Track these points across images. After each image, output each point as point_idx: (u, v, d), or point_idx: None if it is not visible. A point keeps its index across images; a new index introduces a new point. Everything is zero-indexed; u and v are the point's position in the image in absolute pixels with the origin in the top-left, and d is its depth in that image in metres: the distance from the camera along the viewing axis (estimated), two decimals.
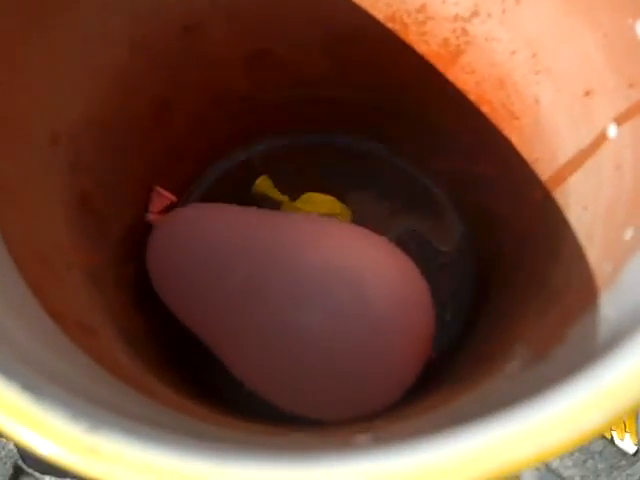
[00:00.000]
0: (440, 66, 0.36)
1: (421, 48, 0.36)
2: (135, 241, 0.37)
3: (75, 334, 0.24)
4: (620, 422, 0.46)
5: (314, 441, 0.22)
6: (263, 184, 0.45)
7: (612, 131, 0.28)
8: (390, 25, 0.36)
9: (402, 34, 0.36)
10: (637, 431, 0.46)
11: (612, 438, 0.46)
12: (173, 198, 0.40)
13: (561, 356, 0.22)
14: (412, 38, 0.36)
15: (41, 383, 0.18)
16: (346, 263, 0.31)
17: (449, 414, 0.23)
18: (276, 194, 0.44)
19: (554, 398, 0.17)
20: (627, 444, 0.46)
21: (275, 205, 0.44)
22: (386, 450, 0.17)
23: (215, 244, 0.34)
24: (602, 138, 0.28)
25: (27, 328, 0.21)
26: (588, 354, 0.19)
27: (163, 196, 0.39)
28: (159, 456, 0.17)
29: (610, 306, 0.22)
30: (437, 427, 0.18)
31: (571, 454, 0.43)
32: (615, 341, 0.19)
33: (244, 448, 0.18)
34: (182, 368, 0.36)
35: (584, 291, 0.24)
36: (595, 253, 0.26)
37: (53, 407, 0.17)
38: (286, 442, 0.22)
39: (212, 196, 0.45)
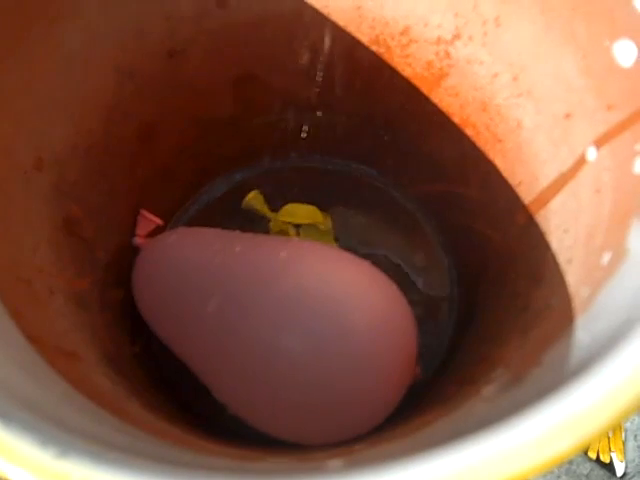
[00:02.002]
0: (425, 89, 0.37)
1: (405, 71, 0.37)
2: (122, 265, 0.37)
3: (54, 359, 0.24)
4: (605, 444, 0.46)
5: (286, 466, 0.22)
6: (254, 199, 0.45)
7: (591, 154, 0.28)
8: (375, 48, 0.36)
9: (387, 57, 0.36)
10: (624, 449, 0.46)
11: (598, 458, 0.46)
12: (159, 222, 0.41)
13: (536, 379, 0.22)
14: (397, 61, 0.36)
15: (11, 408, 0.18)
16: (327, 286, 0.31)
17: (426, 437, 0.23)
18: (265, 209, 0.45)
19: (525, 423, 0.17)
20: (616, 465, 0.46)
21: (263, 219, 0.45)
22: (353, 475, 0.17)
23: (197, 269, 0.34)
24: (582, 161, 0.28)
25: (1, 352, 0.21)
26: (561, 378, 0.19)
27: (149, 220, 0.40)
28: None
29: (585, 330, 0.22)
30: (412, 451, 0.18)
31: (558, 477, 0.43)
32: (587, 365, 0.19)
33: (216, 474, 0.18)
34: (166, 391, 0.36)
35: (562, 315, 0.24)
36: (574, 277, 0.26)
37: (22, 433, 0.17)
38: (259, 468, 0.22)
39: (200, 218, 0.45)
